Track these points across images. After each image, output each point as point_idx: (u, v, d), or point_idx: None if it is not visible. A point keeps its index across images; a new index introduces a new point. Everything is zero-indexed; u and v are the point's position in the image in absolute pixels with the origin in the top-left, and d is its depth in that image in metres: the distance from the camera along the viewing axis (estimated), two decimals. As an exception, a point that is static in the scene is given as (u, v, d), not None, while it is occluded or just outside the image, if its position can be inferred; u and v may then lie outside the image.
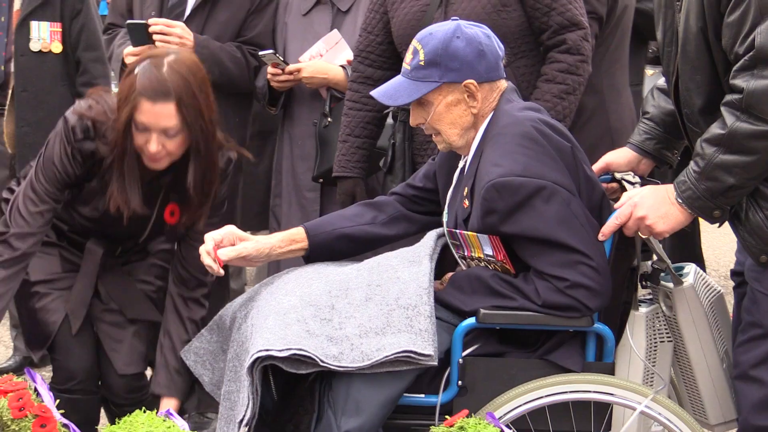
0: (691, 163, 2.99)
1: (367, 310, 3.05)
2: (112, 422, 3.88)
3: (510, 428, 2.95)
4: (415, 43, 3.19)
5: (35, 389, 3.14)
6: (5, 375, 3.23)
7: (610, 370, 3.14)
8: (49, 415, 3.03)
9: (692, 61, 3.03)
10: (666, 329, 3.22)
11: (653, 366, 3.17)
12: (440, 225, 3.41)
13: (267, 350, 2.93)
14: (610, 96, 4.13)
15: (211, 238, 3.28)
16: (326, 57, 4.33)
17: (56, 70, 5.00)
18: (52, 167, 3.46)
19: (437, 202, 3.44)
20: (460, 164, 3.30)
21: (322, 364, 2.95)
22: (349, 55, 4.27)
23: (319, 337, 2.98)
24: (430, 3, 3.81)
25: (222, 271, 3.28)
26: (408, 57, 3.22)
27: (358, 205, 3.52)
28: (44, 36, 4.95)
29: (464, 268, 3.28)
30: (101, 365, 3.75)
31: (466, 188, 3.17)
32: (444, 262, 3.36)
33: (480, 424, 2.81)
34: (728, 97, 2.90)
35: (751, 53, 2.84)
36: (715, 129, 2.92)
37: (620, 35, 4.17)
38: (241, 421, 2.95)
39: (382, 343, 2.98)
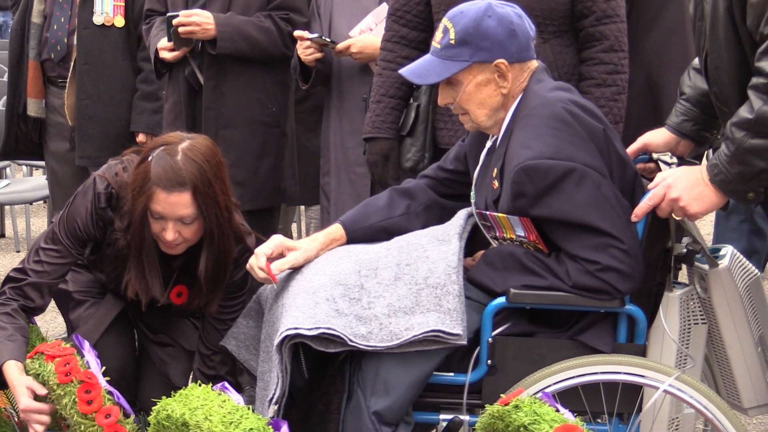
0: (722, 146, 2.96)
1: (396, 289, 3.07)
2: None
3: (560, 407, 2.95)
4: (445, 21, 3.18)
5: (82, 356, 3.21)
6: (54, 340, 3.30)
7: (642, 352, 3.12)
8: (95, 381, 3.08)
9: (720, 40, 2.99)
10: (700, 311, 3.19)
11: (686, 348, 3.15)
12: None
13: (296, 328, 2.97)
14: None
15: (262, 253, 3.25)
16: (375, 31, 4.33)
17: (118, 44, 5.05)
18: (74, 224, 3.48)
19: (469, 184, 3.42)
20: (488, 144, 3.30)
21: (350, 343, 2.98)
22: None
23: (348, 317, 3.02)
24: None
25: (277, 283, 3.28)
26: (438, 35, 3.20)
27: (390, 192, 3.49)
28: (107, 10, 5.00)
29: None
30: (147, 384, 3.79)
31: (495, 169, 3.16)
32: (475, 241, 3.36)
33: (536, 403, 2.82)
34: (754, 80, 2.87)
35: None
36: (743, 113, 2.89)
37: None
38: (271, 399, 3.00)
39: (411, 323, 3.00)
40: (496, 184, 3.15)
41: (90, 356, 3.18)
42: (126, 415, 3.04)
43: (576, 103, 3.12)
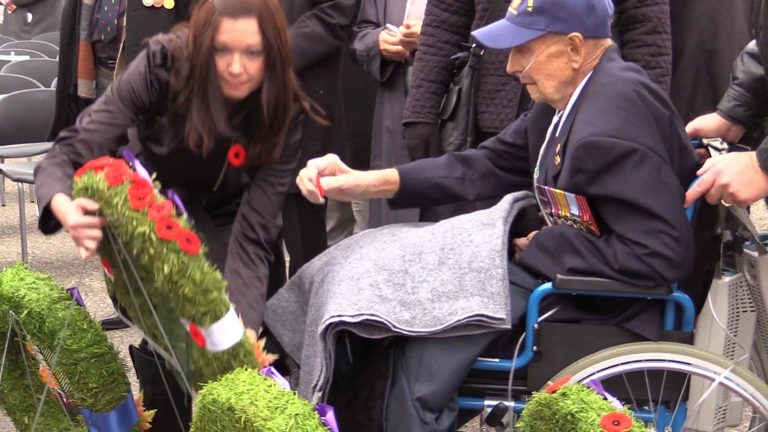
0: None
1: (440, 274, 3.07)
2: None
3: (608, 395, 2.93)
4: None
5: (133, 168, 3.09)
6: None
7: (689, 340, 3.10)
8: (147, 182, 2.99)
9: None
10: (749, 299, 3.16)
11: (735, 336, 3.12)
12: (529, 185, 3.40)
13: (339, 316, 2.97)
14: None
15: (314, 165, 3.29)
16: (413, 14, 4.34)
17: (168, 25, 4.99)
18: (128, 87, 3.46)
19: (526, 159, 3.41)
20: (554, 119, 3.27)
21: (394, 329, 2.98)
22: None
23: (391, 302, 3.01)
24: None
25: (322, 200, 3.29)
26: (515, 2, 3.18)
27: (449, 156, 3.51)
28: (157, -10, 5.03)
29: (550, 225, 3.26)
30: None
31: (559, 145, 3.14)
32: (526, 221, 3.36)
33: (583, 391, 2.80)
34: None
35: None
36: None
37: None
38: (315, 386, 3.01)
39: (455, 308, 2.99)
40: (558, 159, 3.12)
41: (140, 168, 3.07)
42: (179, 213, 2.94)
43: (645, 85, 3.08)
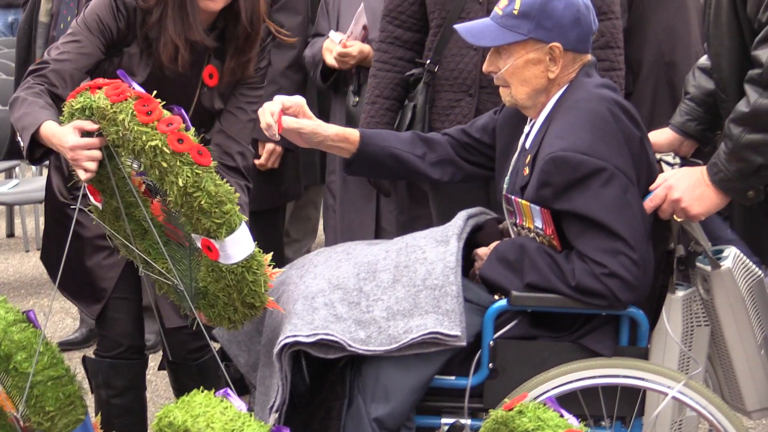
0: (721, 144, 2.96)
1: (395, 292, 3.07)
2: (174, 385, 3.93)
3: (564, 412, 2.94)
4: None
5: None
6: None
7: (644, 355, 3.11)
8: (151, 97, 2.96)
9: (722, 26, 3.00)
10: (703, 313, 3.17)
11: (689, 350, 3.13)
12: (486, 176, 3.47)
13: (294, 336, 2.96)
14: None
15: (280, 100, 3.27)
16: (353, 34, 4.38)
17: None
18: (94, 17, 3.45)
19: (489, 156, 3.42)
20: (526, 129, 3.27)
21: (349, 348, 2.97)
22: (364, 21, 4.31)
23: (346, 321, 3.01)
24: None
25: (278, 137, 3.25)
26: (502, 2, 3.17)
27: (412, 133, 3.51)
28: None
29: (513, 235, 3.27)
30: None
31: (529, 156, 3.14)
32: (481, 237, 3.37)
33: (540, 408, 2.80)
34: (750, 73, 2.87)
35: None
36: (740, 107, 2.89)
37: None
38: (272, 407, 3.00)
39: (410, 325, 2.99)
40: (527, 170, 3.12)
41: (138, 86, 3.04)
42: (186, 128, 2.92)
43: (620, 105, 3.09)
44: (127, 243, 3.23)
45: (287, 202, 4.92)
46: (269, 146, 4.55)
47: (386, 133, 3.52)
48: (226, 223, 2.85)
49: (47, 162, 5.19)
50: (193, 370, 3.84)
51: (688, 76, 3.44)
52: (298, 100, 3.30)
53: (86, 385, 3.75)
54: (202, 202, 2.82)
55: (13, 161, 7.23)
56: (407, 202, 4.42)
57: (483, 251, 3.25)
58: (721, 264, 3.11)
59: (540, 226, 3.08)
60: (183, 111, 2.95)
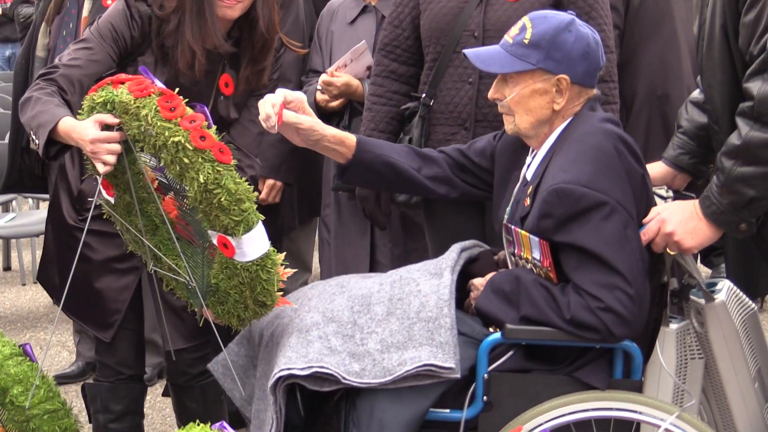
0: (713, 177, 2.98)
1: (389, 324, 3.07)
2: (177, 408, 3.93)
3: None
4: (525, 20, 3.18)
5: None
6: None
7: (638, 388, 3.11)
8: (174, 94, 3.01)
9: (714, 58, 3.02)
10: (697, 346, 3.18)
11: (683, 383, 3.14)
12: (481, 197, 3.51)
13: (289, 369, 2.97)
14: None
15: (283, 93, 3.27)
16: (350, 67, 4.37)
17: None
18: (108, 26, 3.50)
19: (484, 180, 3.45)
20: (528, 160, 3.28)
21: (344, 381, 2.97)
22: (369, 62, 4.30)
23: (341, 354, 3.01)
24: (469, 1, 3.80)
25: (276, 129, 3.24)
26: (513, 30, 3.19)
27: (407, 146, 3.51)
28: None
29: (511, 266, 3.27)
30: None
31: (531, 187, 3.15)
32: (476, 268, 3.37)
33: None
34: (742, 106, 2.89)
35: (763, 55, 2.82)
36: (731, 140, 2.91)
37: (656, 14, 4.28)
38: None
39: (404, 358, 3.00)
40: (528, 201, 3.13)
41: (159, 83, 3.10)
42: (209, 126, 2.98)
43: (624, 141, 3.10)
44: (138, 237, 3.29)
45: (283, 236, 4.92)
46: (269, 181, 4.57)
47: (383, 142, 3.53)
48: (244, 221, 2.92)
49: (45, 195, 5.22)
50: (197, 393, 3.85)
51: (681, 109, 3.46)
52: (300, 96, 3.31)
53: (82, 418, 3.76)
54: (222, 199, 2.88)
55: (10, 195, 7.24)
56: (402, 235, 4.42)
57: (479, 281, 3.26)
58: (715, 297, 3.13)
59: (538, 258, 3.09)
60: (205, 109, 3.01)
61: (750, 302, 3.21)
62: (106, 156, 3.08)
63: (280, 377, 2.97)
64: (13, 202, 7.80)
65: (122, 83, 3.08)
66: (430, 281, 3.16)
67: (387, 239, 4.44)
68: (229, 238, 2.94)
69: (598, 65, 3.19)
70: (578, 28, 3.14)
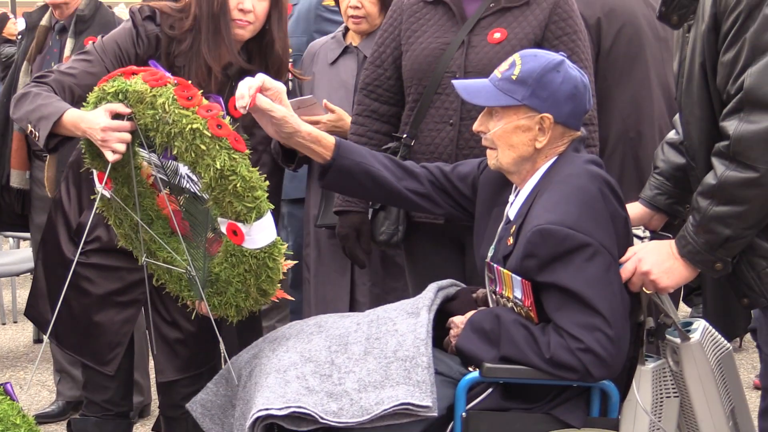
0: (690, 217, 3.01)
1: (366, 364, 3.09)
2: None
3: None
4: (516, 56, 3.21)
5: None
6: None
7: (614, 426, 3.12)
8: (190, 84, 3.11)
9: (693, 95, 3.05)
10: (673, 384, 3.21)
11: (659, 420, 3.16)
12: (459, 219, 3.54)
13: (267, 409, 2.97)
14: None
15: (262, 78, 3.26)
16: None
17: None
18: (112, 44, 3.56)
19: (464, 207, 3.48)
20: (511, 198, 3.31)
21: (322, 420, 2.97)
22: (320, 114, 4.30)
23: (318, 394, 3.02)
24: (451, 42, 3.84)
25: (244, 110, 3.20)
26: (503, 66, 3.23)
27: (389, 158, 3.51)
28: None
29: (492, 304, 3.29)
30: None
31: (515, 226, 3.17)
32: (455, 306, 3.40)
33: None
34: (718, 145, 2.92)
35: (739, 95, 2.85)
36: (707, 180, 2.94)
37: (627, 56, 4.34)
38: None
39: (381, 397, 3.00)
40: (511, 240, 3.15)
41: (168, 74, 3.19)
42: (223, 116, 3.07)
43: (608, 184, 3.13)
44: (131, 232, 3.36)
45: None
46: None
47: (364, 149, 3.50)
48: (256, 208, 3.00)
49: (24, 234, 5.19)
50: (189, 425, 3.82)
51: (657, 150, 3.50)
52: (279, 86, 3.30)
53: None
54: (237, 186, 2.97)
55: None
56: (381, 274, 4.44)
57: (459, 320, 3.27)
58: (690, 336, 3.16)
59: (519, 297, 3.11)
60: (220, 99, 3.10)
61: (725, 342, 3.23)
62: (116, 144, 3.15)
63: (258, 417, 2.97)
64: (-7, 242, 7.82)
65: (135, 74, 3.16)
66: (407, 320, 3.18)
67: (366, 278, 4.46)
68: (239, 224, 3.03)
69: (584, 108, 3.22)
70: (567, 69, 3.18)
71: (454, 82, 3.33)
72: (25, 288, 8.04)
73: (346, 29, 4.63)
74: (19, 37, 5.78)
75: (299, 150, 3.43)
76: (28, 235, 6.19)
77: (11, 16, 15.20)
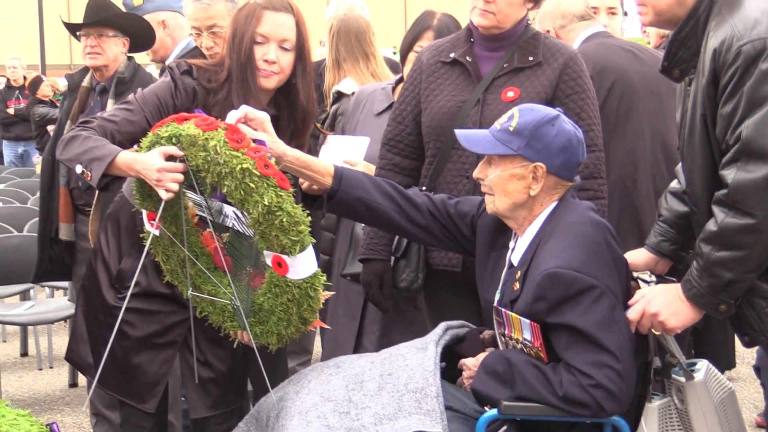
0: (694, 262, 3.14)
1: (381, 398, 3.25)
2: None
3: None
4: (515, 109, 3.40)
5: None
6: None
7: (624, 461, 3.25)
8: (239, 129, 3.32)
9: (695, 145, 3.18)
10: (678, 422, 3.34)
11: (666, 456, 3.31)
12: (457, 250, 3.75)
13: None
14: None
15: (245, 109, 3.46)
16: (345, 152, 4.55)
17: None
18: (153, 97, 3.75)
19: (462, 245, 3.66)
20: (511, 244, 3.46)
21: (342, 455, 3.13)
22: (361, 154, 4.50)
23: (338, 430, 3.18)
24: (467, 100, 4.00)
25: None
26: (503, 118, 3.41)
27: (393, 187, 3.66)
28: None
29: (501, 345, 3.43)
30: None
31: (520, 272, 3.32)
32: (465, 347, 3.56)
33: None
34: (717, 194, 3.06)
35: (737, 145, 2.99)
36: (709, 227, 3.08)
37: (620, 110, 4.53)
38: None
39: (395, 428, 3.16)
40: (517, 285, 3.31)
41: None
42: (269, 156, 3.29)
43: (610, 231, 3.33)
44: (178, 267, 3.57)
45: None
46: None
47: (366, 180, 3.65)
48: (300, 241, 3.23)
49: (61, 283, 5.32)
50: None
51: (661, 200, 3.64)
52: (262, 116, 3.51)
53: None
54: (283, 221, 3.20)
55: (28, 284, 7.39)
56: (392, 326, 4.59)
57: (470, 362, 3.43)
58: (695, 376, 3.31)
59: (529, 339, 3.25)
60: (265, 142, 3.32)
61: (727, 382, 3.38)
62: (170, 183, 3.37)
63: None
64: (31, 291, 8.00)
65: (186, 120, 3.39)
66: (416, 355, 3.36)
67: (376, 326, 4.60)
68: (284, 257, 3.25)
69: (577, 161, 3.39)
70: (562, 123, 3.35)
71: (457, 131, 3.51)
72: (59, 335, 8.26)
73: (396, 83, 4.79)
74: (62, 97, 5.97)
75: (293, 174, 3.57)
76: (63, 284, 6.34)
77: (44, 78, 15.58)
